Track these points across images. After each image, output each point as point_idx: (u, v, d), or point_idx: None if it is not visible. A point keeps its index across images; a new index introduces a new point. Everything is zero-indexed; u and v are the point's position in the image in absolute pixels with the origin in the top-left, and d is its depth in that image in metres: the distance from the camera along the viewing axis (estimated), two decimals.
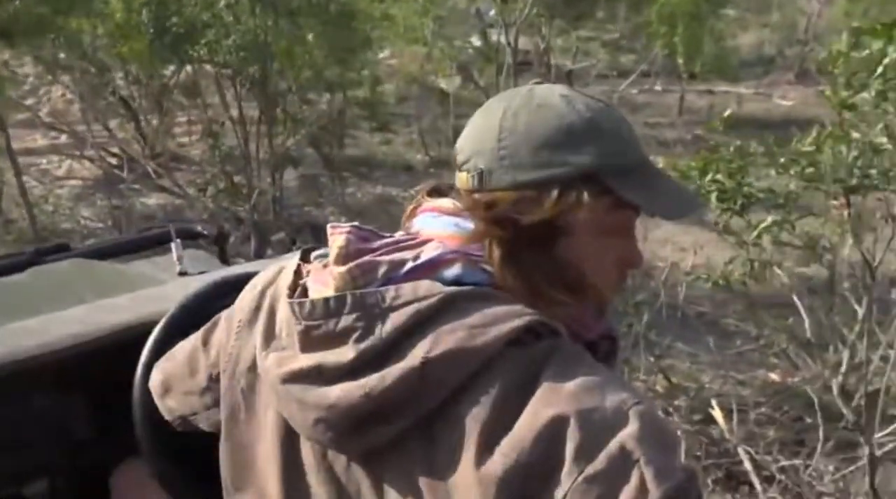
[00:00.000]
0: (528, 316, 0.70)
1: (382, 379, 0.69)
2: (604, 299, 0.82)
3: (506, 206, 0.74)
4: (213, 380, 0.91)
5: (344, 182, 7.01)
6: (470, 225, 0.77)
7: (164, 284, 1.56)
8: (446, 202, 0.80)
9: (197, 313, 1.10)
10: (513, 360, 0.69)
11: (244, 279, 1.15)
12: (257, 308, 0.86)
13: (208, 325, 0.96)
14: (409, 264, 0.74)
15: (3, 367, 1.19)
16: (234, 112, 6.16)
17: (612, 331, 0.84)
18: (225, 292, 1.14)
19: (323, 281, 0.78)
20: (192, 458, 1.02)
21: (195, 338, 0.97)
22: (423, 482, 0.69)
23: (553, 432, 0.65)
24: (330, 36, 5.99)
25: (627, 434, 0.64)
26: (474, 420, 0.67)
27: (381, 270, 0.74)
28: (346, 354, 0.72)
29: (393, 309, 0.71)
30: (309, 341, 0.75)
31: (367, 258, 0.76)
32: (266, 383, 0.81)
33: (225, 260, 2.11)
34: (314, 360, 0.74)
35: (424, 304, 0.70)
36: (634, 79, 9.67)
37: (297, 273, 0.83)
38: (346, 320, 0.72)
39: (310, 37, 5.97)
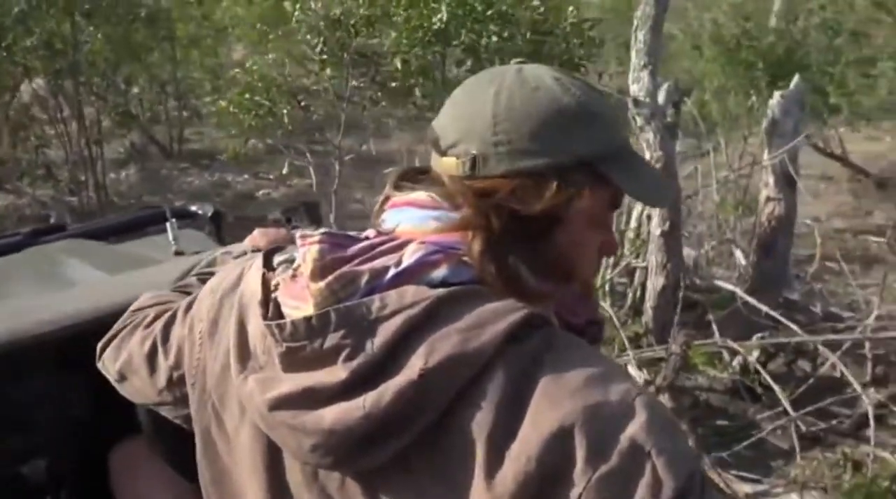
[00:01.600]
0: (521, 311, 0.68)
1: (380, 396, 0.66)
2: (588, 285, 0.82)
3: (503, 194, 0.71)
4: (174, 382, 0.88)
5: (184, 172, 7.29)
6: (453, 217, 0.73)
7: (160, 264, 1.56)
8: (421, 195, 0.76)
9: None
10: (510, 359, 0.66)
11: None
12: (216, 319, 0.82)
13: (166, 318, 0.91)
14: (392, 271, 0.71)
15: (1, 346, 1.19)
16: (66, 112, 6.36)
17: (597, 315, 0.84)
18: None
19: (298, 296, 0.73)
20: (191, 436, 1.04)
21: (154, 332, 0.92)
22: (432, 495, 0.67)
23: (561, 432, 0.63)
24: (120, 36, 6.20)
25: (637, 427, 0.63)
26: (479, 427, 0.65)
27: (363, 280, 0.71)
28: (337, 373, 0.68)
29: (381, 320, 0.68)
30: (293, 363, 0.71)
31: (345, 269, 0.71)
32: (243, 405, 0.77)
33: (221, 240, 2.09)
34: (303, 383, 0.70)
35: (413, 311, 0.67)
36: None
37: (265, 284, 0.78)
38: (332, 338, 0.69)
39: (99, 36, 6.20)
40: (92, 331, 1.23)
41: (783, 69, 4.83)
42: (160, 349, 0.90)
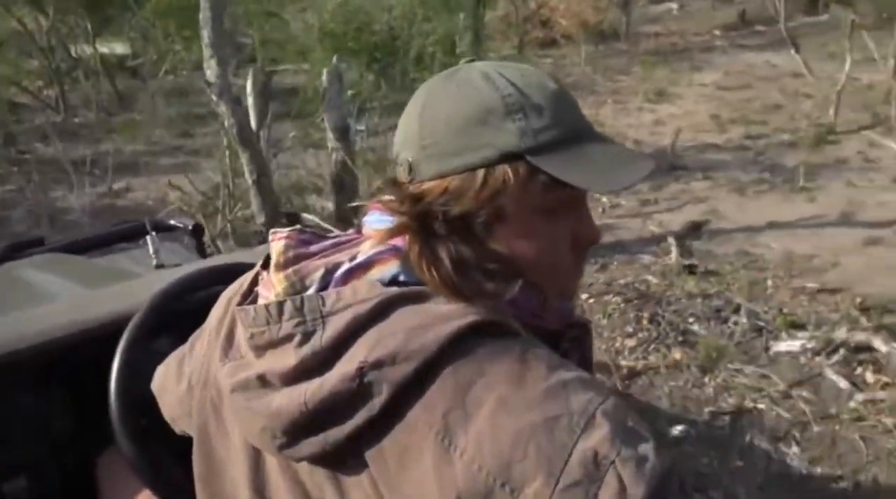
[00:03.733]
0: (471, 315, 0.66)
1: (321, 386, 0.67)
2: (561, 284, 0.76)
3: (433, 197, 0.70)
4: (192, 385, 0.89)
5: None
6: (394, 222, 0.73)
7: (140, 278, 1.53)
8: (384, 200, 0.77)
9: (171, 307, 1.09)
10: (457, 362, 0.64)
11: (217, 269, 1.14)
12: (222, 317, 0.85)
13: (199, 330, 0.93)
14: (346, 266, 0.72)
15: None
16: None
17: (577, 317, 0.79)
18: (200, 282, 1.13)
19: (269, 288, 0.76)
20: (170, 454, 1.01)
21: (189, 342, 0.95)
22: (381, 488, 0.66)
23: (518, 444, 0.60)
24: None
25: (599, 437, 0.60)
26: (427, 426, 0.63)
27: (318, 274, 0.73)
28: (287, 360, 0.69)
29: (333, 314, 0.69)
30: (257, 349, 0.73)
31: (304, 263, 0.74)
32: (226, 394, 0.78)
33: (202, 252, 2.08)
34: (259, 368, 0.72)
35: (363, 307, 0.67)
36: None
37: (253, 280, 0.82)
38: (286, 327, 0.70)
39: None
40: (72, 346, 1.22)
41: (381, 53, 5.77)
42: (187, 356, 0.93)
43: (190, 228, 2.09)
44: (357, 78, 5.52)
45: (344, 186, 4.49)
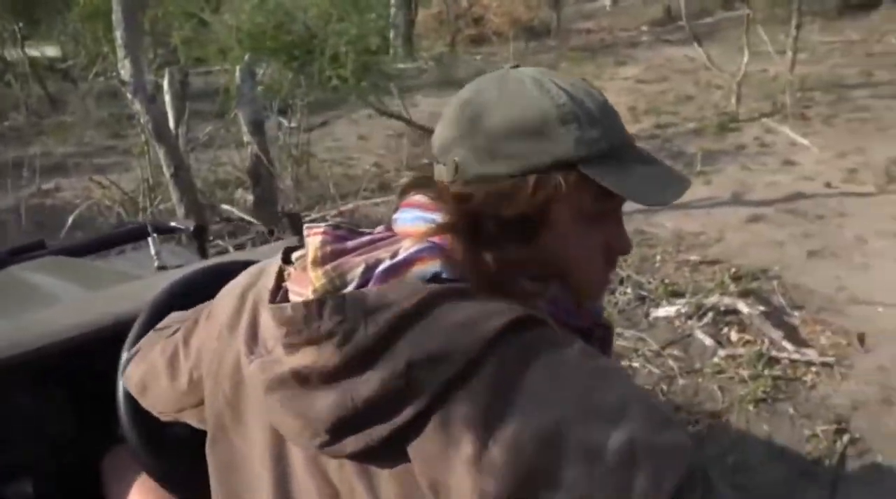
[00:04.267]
0: (513, 311, 0.67)
1: (367, 383, 0.67)
2: (592, 289, 0.79)
3: (480, 198, 0.72)
4: (194, 381, 0.89)
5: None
6: (437, 220, 0.73)
7: (142, 280, 1.53)
8: (419, 198, 0.77)
9: (177, 305, 1.07)
10: (499, 356, 0.66)
11: (219, 269, 1.13)
12: (238, 312, 0.83)
13: (188, 324, 0.93)
14: (387, 263, 0.72)
15: None
16: None
17: (603, 319, 0.82)
18: (203, 282, 1.10)
19: (303, 284, 0.75)
20: (181, 449, 1.01)
21: (176, 339, 0.93)
22: (419, 483, 0.66)
23: (554, 433, 0.62)
24: None
25: (632, 426, 0.62)
26: (466, 420, 0.64)
27: (359, 270, 0.72)
28: (329, 358, 0.69)
29: (375, 310, 0.68)
30: (291, 347, 0.72)
31: (343, 259, 0.73)
32: (252, 390, 0.78)
33: (204, 254, 2.06)
34: (297, 365, 0.71)
35: (407, 304, 0.67)
36: None
37: (280, 276, 0.80)
38: (327, 324, 0.69)
39: None
40: (74, 348, 1.23)
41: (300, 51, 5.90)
42: (181, 353, 0.91)
43: (191, 229, 2.07)
44: (277, 76, 5.69)
45: (260, 178, 4.68)
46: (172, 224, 2.12)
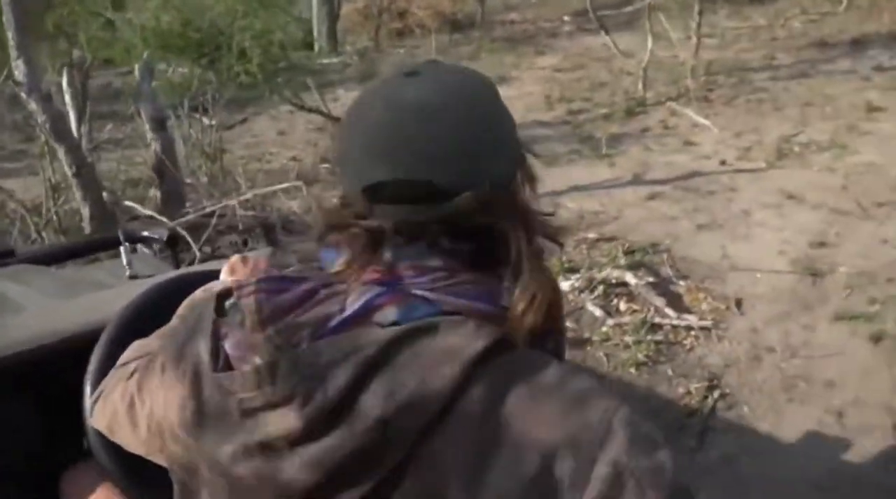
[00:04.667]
0: (479, 340, 0.66)
1: (341, 443, 0.65)
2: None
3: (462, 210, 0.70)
4: (153, 431, 0.81)
5: None
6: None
7: (112, 289, 1.51)
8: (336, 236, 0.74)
9: (145, 316, 1.06)
10: (474, 394, 0.64)
11: (188, 280, 1.11)
12: (178, 361, 0.76)
13: (142, 367, 0.84)
14: (337, 319, 0.68)
15: None
16: None
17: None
18: (172, 293, 1.07)
19: (246, 345, 0.70)
20: (146, 462, 0.98)
21: (133, 383, 0.85)
22: None
23: (543, 465, 0.62)
24: None
25: (617, 448, 0.63)
26: (451, 460, 0.64)
27: (306, 330, 0.68)
28: (292, 422, 0.66)
29: (333, 365, 0.65)
30: (246, 415, 0.68)
31: (287, 320, 0.69)
32: (205, 462, 0.73)
33: (177, 263, 2.08)
34: (258, 435, 0.67)
35: (368, 353, 0.65)
36: None
37: (214, 333, 0.73)
38: (283, 388, 0.66)
39: None
40: (42, 357, 1.22)
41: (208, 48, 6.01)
42: (137, 401, 0.84)
43: (164, 239, 2.07)
44: (188, 73, 5.71)
45: (164, 174, 4.71)
46: (145, 234, 2.11)
